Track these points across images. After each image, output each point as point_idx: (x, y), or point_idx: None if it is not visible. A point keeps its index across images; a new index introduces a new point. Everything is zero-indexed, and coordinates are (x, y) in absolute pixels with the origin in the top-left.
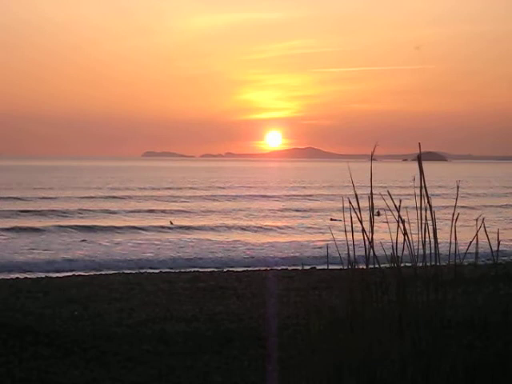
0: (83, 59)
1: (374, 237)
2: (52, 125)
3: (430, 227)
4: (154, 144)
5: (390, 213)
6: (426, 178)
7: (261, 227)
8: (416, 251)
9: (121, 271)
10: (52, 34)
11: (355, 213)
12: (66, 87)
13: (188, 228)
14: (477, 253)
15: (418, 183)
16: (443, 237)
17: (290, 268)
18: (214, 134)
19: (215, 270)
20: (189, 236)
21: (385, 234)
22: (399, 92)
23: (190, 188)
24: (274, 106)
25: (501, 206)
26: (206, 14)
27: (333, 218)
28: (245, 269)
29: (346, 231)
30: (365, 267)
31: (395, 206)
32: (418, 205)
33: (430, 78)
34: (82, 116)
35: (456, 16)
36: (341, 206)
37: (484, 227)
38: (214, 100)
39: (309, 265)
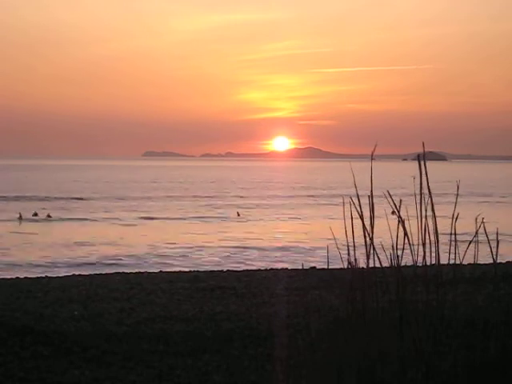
0: (84, 60)
1: (374, 236)
2: (51, 125)
3: (431, 227)
4: (155, 144)
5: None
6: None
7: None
8: (416, 251)
9: (121, 271)
10: (50, 39)
11: (356, 212)
12: (66, 88)
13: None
14: (476, 253)
15: (418, 183)
16: (443, 236)
17: (290, 268)
18: (213, 134)
19: (215, 270)
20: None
21: (385, 234)
22: (398, 92)
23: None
24: (271, 106)
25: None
26: (205, 15)
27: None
28: (245, 269)
29: (346, 231)
30: (365, 267)
31: (395, 205)
32: (419, 204)
33: (429, 77)
34: (82, 116)
35: (456, 16)
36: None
37: (484, 227)
38: (213, 100)
39: (309, 265)
